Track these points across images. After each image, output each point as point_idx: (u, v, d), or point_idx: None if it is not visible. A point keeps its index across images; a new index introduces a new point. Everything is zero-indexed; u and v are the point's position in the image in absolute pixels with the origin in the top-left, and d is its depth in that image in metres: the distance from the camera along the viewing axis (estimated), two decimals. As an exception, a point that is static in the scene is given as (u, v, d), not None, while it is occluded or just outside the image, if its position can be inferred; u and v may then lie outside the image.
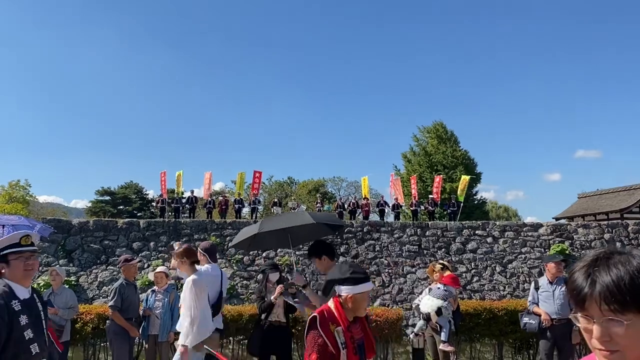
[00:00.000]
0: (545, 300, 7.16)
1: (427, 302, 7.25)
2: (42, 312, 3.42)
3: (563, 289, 7.04)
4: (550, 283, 7.21)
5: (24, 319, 3.18)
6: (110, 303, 7.19)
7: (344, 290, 3.21)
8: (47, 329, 3.50)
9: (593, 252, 1.36)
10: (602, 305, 1.21)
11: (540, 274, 7.41)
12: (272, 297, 6.61)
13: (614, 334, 1.20)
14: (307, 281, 5.52)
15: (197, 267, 6.51)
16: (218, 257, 6.23)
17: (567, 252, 22.21)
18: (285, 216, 7.05)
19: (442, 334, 7.04)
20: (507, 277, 22.00)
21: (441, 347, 7.02)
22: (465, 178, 29.77)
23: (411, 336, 8.08)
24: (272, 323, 6.71)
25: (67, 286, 8.51)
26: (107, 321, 7.48)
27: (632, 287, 1.19)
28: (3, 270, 3.33)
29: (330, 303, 3.28)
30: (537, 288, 7.37)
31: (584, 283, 1.27)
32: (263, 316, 6.78)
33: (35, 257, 3.48)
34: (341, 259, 22.21)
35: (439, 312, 7.08)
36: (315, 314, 3.16)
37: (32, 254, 3.43)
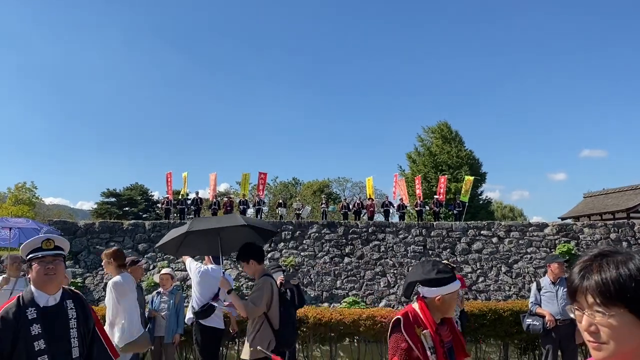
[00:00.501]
0: (548, 301, 7.14)
1: None
2: (74, 320, 3.21)
3: (565, 289, 7.01)
4: (553, 284, 7.18)
5: (36, 329, 3.02)
6: None
7: (432, 292, 3.00)
8: (89, 335, 3.30)
9: (596, 249, 1.42)
10: (588, 298, 1.30)
11: (542, 275, 7.41)
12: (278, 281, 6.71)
13: (599, 326, 1.27)
14: (233, 286, 5.46)
15: (200, 266, 6.61)
16: (224, 258, 6.26)
17: (572, 252, 22.13)
18: (216, 218, 6.84)
19: None
20: (513, 277, 21.94)
21: None
22: (469, 179, 29.70)
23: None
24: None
25: (73, 288, 8.54)
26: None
27: (617, 283, 1.26)
28: (29, 276, 3.26)
29: (415, 305, 3.06)
30: (539, 289, 7.34)
31: (577, 276, 1.35)
32: None
33: (58, 261, 3.28)
34: (346, 259, 22.22)
35: None
36: (398, 317, 2.96)
37: (55, 258, 3.26)
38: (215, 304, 6.30)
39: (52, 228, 9.32)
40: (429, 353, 2.84)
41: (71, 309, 3.23)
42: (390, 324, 2.97)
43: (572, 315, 1.37)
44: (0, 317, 3.01)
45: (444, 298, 2.98)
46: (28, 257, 3.24)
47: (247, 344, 4.94)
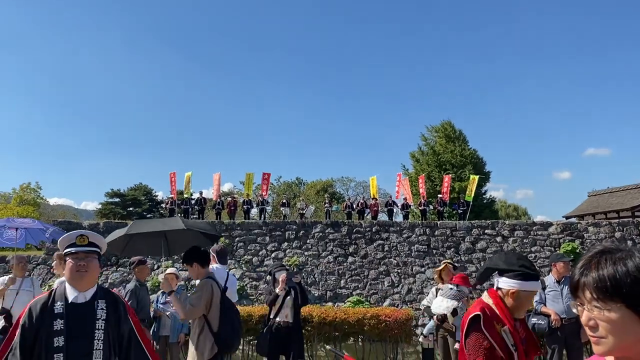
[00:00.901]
0: (553, 300, 7.12)
1: (441, 304, 7.19)
2: (102, 321, 3.07)
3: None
4: (558, 282, 7.16)
5: (58, 324, 2.97)
6: None
7: (509, 284, 2.80)
8: (129, 340, 3.16)
9: (599, 246, 1.46)
10: (587, 293, 1.35)
11: (547, 273, 7.39)
12: (277, 290, 6.89)
13: (598, 320, 1.32)
14: (174, 288, 5.44)
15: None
16: (228, 257, 6.40)
17: (577, 251, 22.06)
18: (162, 220, 6.88)
19: (457, 334, 7.02)
20: (517, 276, 21.87)
21: (456, 346, 7.00)
22: (474, 178, 29.64)
23: (420, 338, 8.07)
24: (280, 324, 6.76)
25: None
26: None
27: (613, 279, 1.31)
28: (64, 271, 3.24)
29: (487, 298, 2.87)
30: (543, 288, 7.31)
31: (577, 272, 1.40)
32: (271, 316, 6.86)
33: (91, 257, 3.22)
34: (350, 259, 22.22)
35: (454, 312, 7.05)
36: (477, 313, 2.75)
37: (88, 255, 3.21)
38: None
39: (57, 228, 9.36)
40: (512, 350, 2.69)
41: (101, 309, 3.12)
42: (467, 321, 2.77)
43: (575, 311, 1.42)
44: (29, 308, 3.03)
45: (519, 294, 2.78)
46: (64, 252, 3.23)
47: (191, 347, 4.91)
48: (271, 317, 6.94)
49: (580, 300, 1.38)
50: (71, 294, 3.12)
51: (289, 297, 6.98)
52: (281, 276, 7.06)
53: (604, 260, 1.36)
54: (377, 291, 21.35)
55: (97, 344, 3.01)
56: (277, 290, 6.91)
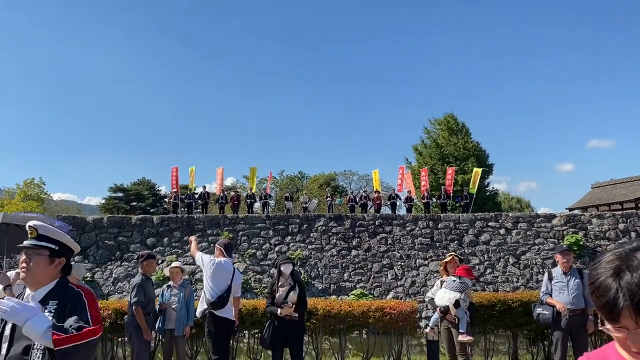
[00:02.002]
0: (560, 291, 7.14)
1: (445, 296, 7.25)
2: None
3: (577, 280, 7.03)
4: (565, 274, 7.17)
5: (6, 328, 2.61)
6: (134, 299, 7.23)
7: None
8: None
9: (613, 251, 1.33)
10: (638, 319, 1.20)
11: (554, 264, 7.39)
12: (278, 311, 6.74)
13: None
14: (10, 283, 5.32)
15: (212, 258, 6.83)
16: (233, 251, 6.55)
17: (581, 243, 22.06)
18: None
19: (461, 325, 7.06)
20: (521, 268, 21.91)
21: (460, 338, 7.04)
22: (477, 170, 29.63)
23: (427, 330, 8.11)
24: (282, 317, 6.76)
25: (83, 282, 8.62)
26: (126, 317, 7.57)
27: None
28: None
29: None
30: (550, 279, 7.34)
31: (617, 294, 1.23)
32: (273, 310, 6.86)
33: (37, 255, 2.69)
34: (353, 252, 22.27)
35: (456, 304, 7.09)
36: None
37: (35, 250, 2.70)
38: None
39: (63, 223, 9.39)
40: None
41: (49, 312, 2.58)
42: None
43: (610, 333, 1.28)
44: None
45: None
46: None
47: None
48: (273, 310, 6.87)
49: (621, 324, 1.24)
50: (27, 295, 2.73)
51: (292, 292, 6.86)
52: (290, 272, 7.02)
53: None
54: (380, 284, 21.40)
55: (35, 352, 2.48)
56: (278, 312, 6.73)
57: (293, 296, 6.84)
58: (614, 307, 1.23)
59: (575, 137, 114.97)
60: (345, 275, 21.68)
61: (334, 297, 19.78)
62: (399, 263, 22.01)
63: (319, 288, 21.14)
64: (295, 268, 7.68)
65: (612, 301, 1.23)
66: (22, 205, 34.86)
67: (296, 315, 6.76)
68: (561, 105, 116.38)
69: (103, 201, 51.28)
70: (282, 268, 7.00)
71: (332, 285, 21.36)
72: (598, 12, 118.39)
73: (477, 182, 29.19)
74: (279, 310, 6.73)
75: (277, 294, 6.89)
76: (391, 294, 20.84)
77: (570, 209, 33.87)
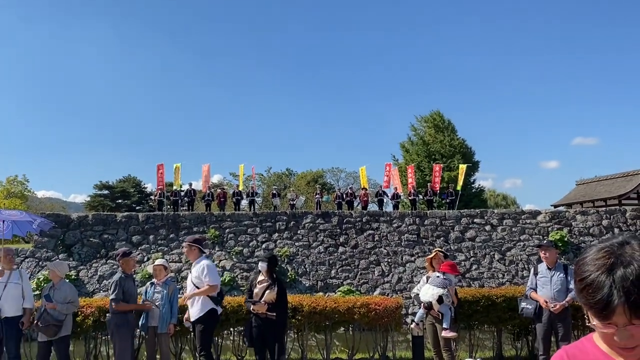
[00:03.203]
0: (543, 286, 7.21)
1: (428, 291, 7.29)
2: None
3: (562, 275, 7.08)
4: (549, 269, 7.24)
5: None
6: (112, 296, 7.19)
7: None
8: None
9: (599, 247, 1.31)
10: (631, 316, 1.19)
11: (540, 260, 7.48)
12: (251, 307, 6.85)
13: (637, 335, 1.20)
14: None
15: (203, 262, 6.92)
16: (218, 249, 6.51)
17: (565, 239, 22.28)
18: None
19: (444, 321, 7.09)
20: (506, 264, 22.09)
21: (443, 334, 7.07)
22: (462, 167, 29.83)
23: (412, 325, 8.13)
24: (258, 315, 6.74)
25: (67, 280, 8.52)
26: (108, 314, 7.49)
27: None
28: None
29: None
30: (536, 273, 7.41)
31: (611, 291, 1.21)
32: (251, 309, 6.88)
33: None
34: (340, 249, 22.28)
35: (440, 300, 7.12)
36: None
37: None
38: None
39: (45, 220, 9.26)
40: None
41: None
42: None
43: (596, 328, 1.27)
44: None
45: None
46: None
47: None
48: (248, 306, 6.92)
49: (611, 321, 1.22)
50: None
51: (269, 290, 6.77)
52: (265, 270, 6.94)
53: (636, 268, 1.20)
54: (367, 281, 21.45)
55: None
56: (251, 308, 6.78)
57: (269, 294, 6.75)
58: (608, 304, 1.20)
59: (560, 134, 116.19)
60: (333, 272, 21.70)
61: (320, 294, 19.78)
62: (385, 259, 22.07)
63: (306, 285, 21.13)
64: (276, 266, 7.59)
65: (606, 298, 1.20)
66: (5, 203, 34.42)
67: (273, 314, 6.67)
68: (546, 103, 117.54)
69: (88, 199, 50.89)
70: (259, 265, 7.11)
71: (319, 282, 21.36)
72: (583, 12, 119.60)
73: (463, 178, 29.36)
74: (251, 306, 6.78)
75: (255, 291, 6.89)
76: (378, 291, 20.89)
77: (555, 206, 34.23)
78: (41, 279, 18.90)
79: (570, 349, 1.44)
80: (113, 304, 7.18)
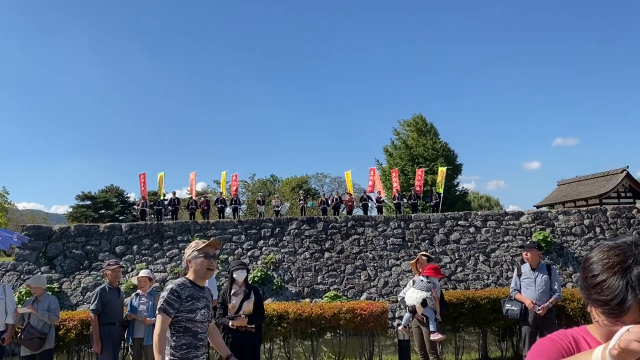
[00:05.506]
0: (527, 287, 7.27)
1: (412, 295, 7.34)
2: None
3: (545, 276, 7.16)
4: (533, 270, 7.30)
5: None
6: (92, 307, 7.13)
7: None
8: None
9: (610, 246, 1.30)
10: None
11: (523, 262, 7.56)
12: (230, 323, 6.05)
13: None
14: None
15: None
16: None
17: (548, 239, 22.54)
18: None
19: (430, 324, 7.13)
20: (491, 266, 22.26)
21: (432, 337, 7.10)
22: (442, 169, 30.05)
23: (399, 328, 8.16)
24: (237, 330, 6.10)
25: (49, 292, 8.40)
26: (91, 327, 7.41)
27: None
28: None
29: None
30: (519, 275, 7.48)
31: (626, 290, 1.20)
32: (227, 321, 6.17)
33: None
34: (326, 254, 22.27)
35: (424, 303, 7.16)
36: None
37: None
38: None
39: (21, 235, 9.14)
40: None
41: None
42: None
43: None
44: None
45: None
46: None
47: None
48: (225, 322, 6.12)
49: (622, 320, 1.20)
50: None
51: (247, 301, 6.13)
52: (243, 279, 6.24)
53: None
54: (354, 285, 21.46)
55: None
56: (230, 324, 6.01)
57: (248, 305, 6.13)
58: (623, 302, 1.19)
59: (541, 135, 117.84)
60: (319, 277, 21.67)
61: (307, 300, 19.73)
62: (371, 264, 22.11)
63: (293, 292, 21.07)
64: (250, 274, 7.17)
65: (622, 296, 1.20)
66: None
67: (252, 327, 6.09)
68: (527, 105, 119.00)
69: (70, 210, 50.22)
70: (234, 275, 6.22)
71: (305, 288, 21.32)
72: (562, 16, 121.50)
73: (444, 181, 29.58)
74: (230, 322, 6.03)
75: (230, 304, 6.15)
76: (364, 295, 20.91)
77: (538, 206, 34.60)
78: (23, 292, 18.58)
79: (574, 332, 1.40)
80: (91, 315, 7.13)
